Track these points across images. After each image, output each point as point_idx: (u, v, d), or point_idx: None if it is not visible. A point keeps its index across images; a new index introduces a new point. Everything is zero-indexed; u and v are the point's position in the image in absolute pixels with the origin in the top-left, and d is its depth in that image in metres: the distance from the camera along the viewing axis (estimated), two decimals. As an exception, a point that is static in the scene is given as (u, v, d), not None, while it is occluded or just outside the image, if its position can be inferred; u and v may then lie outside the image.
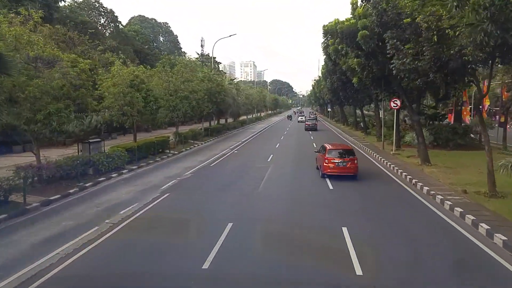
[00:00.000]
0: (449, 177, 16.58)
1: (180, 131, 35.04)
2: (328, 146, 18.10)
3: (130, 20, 72.14)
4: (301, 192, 15.10)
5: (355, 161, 17.09)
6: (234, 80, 52.03)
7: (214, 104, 38.60)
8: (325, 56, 35.56)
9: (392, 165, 20.20)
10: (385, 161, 21.88)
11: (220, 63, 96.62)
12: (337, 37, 21.03)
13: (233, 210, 12.29)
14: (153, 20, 77.39)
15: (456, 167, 19.07)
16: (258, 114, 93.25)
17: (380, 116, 29.28)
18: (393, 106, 24.93)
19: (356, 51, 20.88)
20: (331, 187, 15.53)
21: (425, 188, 14.66)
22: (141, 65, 24.13)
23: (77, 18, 45.30)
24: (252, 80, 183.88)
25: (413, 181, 16.14)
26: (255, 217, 11.72)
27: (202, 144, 33.79)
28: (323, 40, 33.89)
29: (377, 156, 24.34)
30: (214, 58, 51.93)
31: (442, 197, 13.06)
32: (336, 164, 16.89)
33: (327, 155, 17.26)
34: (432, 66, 12.85)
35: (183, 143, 31.31)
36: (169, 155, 26.14)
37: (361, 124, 48.71)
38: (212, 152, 27.72)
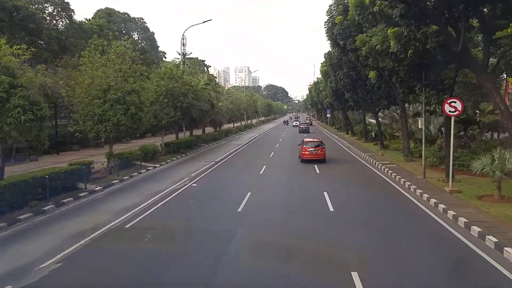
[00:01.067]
0: None
1: (129, 147, 24.98)
2: (305, 140, 25.32)
3: (96, 13, 61.63)
4: None
5: (324, 149, 24.05)
6: (213, 80, 41.94)
7: (179, 109, 28.55)
8: (329, 42, 25.57)
9: (477, 228, 10.09)
10: (450, 212, 11.78)
11: (210, 66, 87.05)
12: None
13: None
14: (126, 15, 66.98)
15: None
16: (249, 121, 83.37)
17: (420, 126, 19.35)
18: (449, 112, 14.93)
19: (401, 5, 10.83)
20: None
21: None
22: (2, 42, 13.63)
23: (7, 3, 35.08)
24: (247, 85, 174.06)
25: None
26: None
27: (155, 168, 23.49)
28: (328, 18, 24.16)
29: (425, 195, 14.22)
30: (185, 51, 41.86)
31: None
32: (310, 152, 23.63)
33: (304, 146, 24.14)
34: None
35: (125, 168, 21.17)
36: (82, 194, 15.91)
37: (372, 134, 38.83)
38: (157, 187, 17.46)
